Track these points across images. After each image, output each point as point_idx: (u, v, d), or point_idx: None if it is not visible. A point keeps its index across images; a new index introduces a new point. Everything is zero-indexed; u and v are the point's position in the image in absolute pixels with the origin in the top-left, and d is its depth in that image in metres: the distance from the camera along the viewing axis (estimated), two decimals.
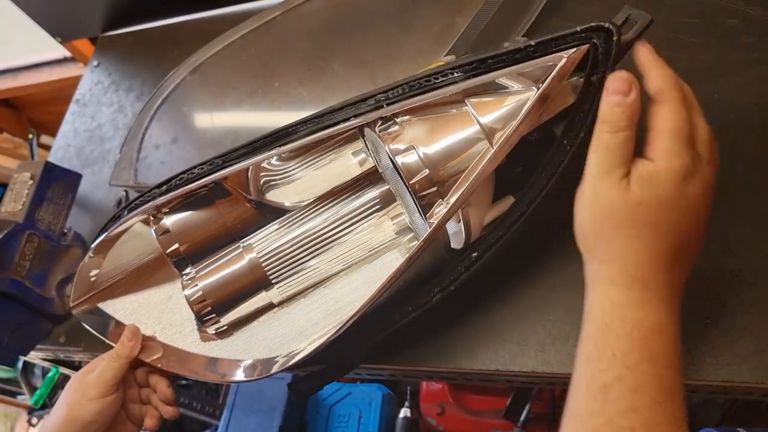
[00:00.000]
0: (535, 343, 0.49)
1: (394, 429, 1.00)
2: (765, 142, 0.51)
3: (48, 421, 0.50)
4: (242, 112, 0.82)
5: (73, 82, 1.03)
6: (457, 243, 0.51)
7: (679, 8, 0.60)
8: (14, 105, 1.57)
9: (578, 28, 0.42)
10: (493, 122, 0.43)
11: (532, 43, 0.43)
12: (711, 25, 0.58)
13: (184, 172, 0.51)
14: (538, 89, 0.42)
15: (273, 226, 0.53)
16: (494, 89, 0.44)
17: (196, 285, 0.51)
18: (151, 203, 0.51)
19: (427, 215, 0.44)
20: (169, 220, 0.52)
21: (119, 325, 0.55)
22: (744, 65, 0.55)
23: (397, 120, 0.45)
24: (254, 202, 0.54)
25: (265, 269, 0.51)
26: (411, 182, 0.43)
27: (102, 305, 0.56)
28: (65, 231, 0.74)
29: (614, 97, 0.37)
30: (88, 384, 0.50)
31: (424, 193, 0.43)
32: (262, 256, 0.51)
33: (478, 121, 0.43)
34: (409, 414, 1.01)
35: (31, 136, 1.05)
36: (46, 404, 1.38)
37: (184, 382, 1.34)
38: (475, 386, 1.07)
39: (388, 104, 0.45)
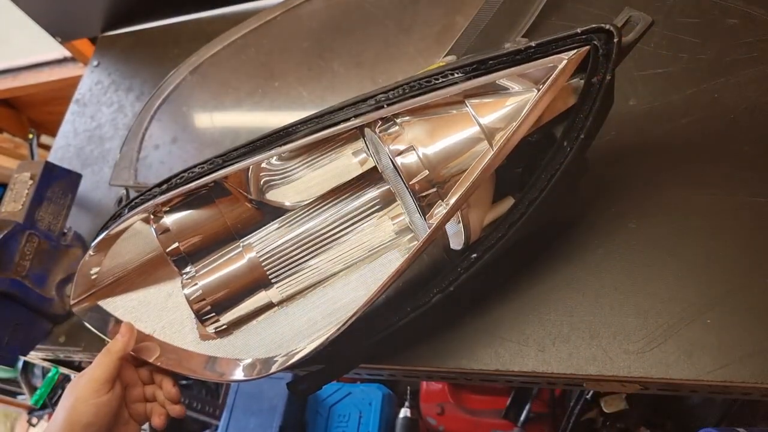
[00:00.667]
0: (535, 343, 0.49)
1: (394, 429, 1.00)
2: (765, 141, 0.51)
3: (49, 427, 0.50)
4: (242, 112, 0.82)
5: (73, 82, 1.03)
6: (456, 244, 0.51)
7: (679, 8, 0.60)
8: (14, 105, 1.57)
9: (579, 30, 0.42)
10: (493, 123, 0.43)
11: (533, 44, 0.43)
12: (711, 25, 0.58)
13: (184, 171, 0.51)
14: (539, 90, 0.42)
15: (273, 226, 0.53)
16: (494, 90, 0.44)
17: (196, 284, 0.51)
18: (151, 202, 0.51)
19: (426, 216, 0.44)
20: (169, 219, 0.52)
21: (119, 323, 0.55)
22: (744, 65, 0.55)
23: (398, 120, 0.45)
24: (254, 202, 0.54)
25: (265, 269, 0.51)
26: (411, 183, 0.43)
27: (102, 303, 0.56)
28: (65, 231, 0.74)
29: None
30: (81, 385, 0.49)
31: (423, 193, 0.43)
32: (262, 255, 0.51)
33: (479, 122, 0.43)
34: (409, 414, 1.01)
35: (31, 136, 1.05)
36: (46, 404, 1.38)
37: (184, 382, 1.34)
38: (475, 386, 1.07)
39: (388, 104, 0.45)
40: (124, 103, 0.93)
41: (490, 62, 0.43)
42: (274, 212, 0.54)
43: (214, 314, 0.52)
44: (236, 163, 0.49)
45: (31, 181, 0.71)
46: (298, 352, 0.48)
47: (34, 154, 1.12)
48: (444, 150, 0.43)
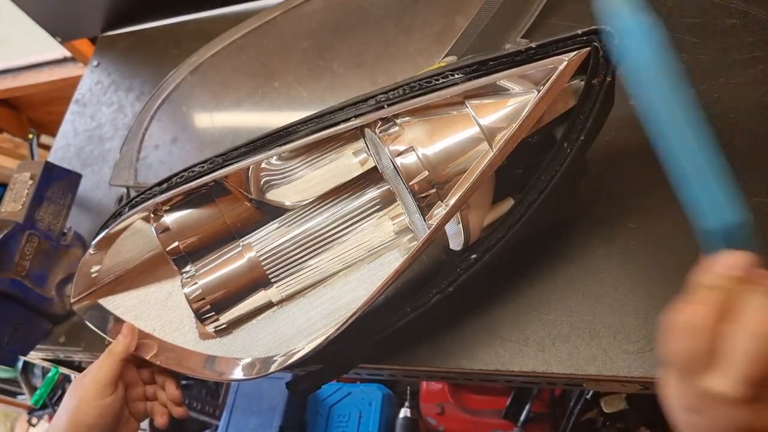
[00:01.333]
0: (534, 343, 0.49)
1: (394, 429, 1.00)
2: (765, 141, 0.51)
3: (51, 427, 0.50)
4: (242, 112, 0.82)
5: (73, 82, 1.03)
6: (456, 244, 0.51)
7: (679, 8, 0.60)
8: (14, 105, 1.57)
9: (579, 31, 0.42)
10: (493, 124, 0.43)
11: (533, 45, 0.43)
12: (711, 25, 0.58)
13: (184, 170, 0.51)
14: (539, 92, 0.42)
15: (273, 225, 0.53)
16: (495, 91, 0.44)
17: (196, 283, 0.51)
18: (151, 201, 0.51)
19: (426, 216, 0.44)
20: (169, 218, 0.52)
21: (119, 322, 0.55)
22: (744, 65, 0.55)
23: (398, 121, 0.45)
24: (254, 201, 0.54)
25: (265, 268, 0.51)
26: (410, 183, 0.43)
27: (102, 302, 0.56)
28: (65, 231, 0.74)
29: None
30: (85, 386, 0.49)
31: (423, 194, 0.43)
32: (262, 255, 0.51)
33: (479, 123, 0.43)
34: (409, 414, 1.01)
35: (31, 136, 1.05)
36: (46, 404, 1.38)
37: (184, 381, 1.34)
38: (475, 386, 1.07)
39: (388, 105, 0.45)
40: (124, 103, 0.93)
41: (491, 63, 0.43)
42: (274, 212, 0.54)
43: (213, 313, 0.52)
44: (236, 162, 0.49)
45: (31, 181, 0.71)
46: (297, 352, 0.48)
47: (34, 154, 1.12)
48: (444, 151, 0.43)
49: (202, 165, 0.50)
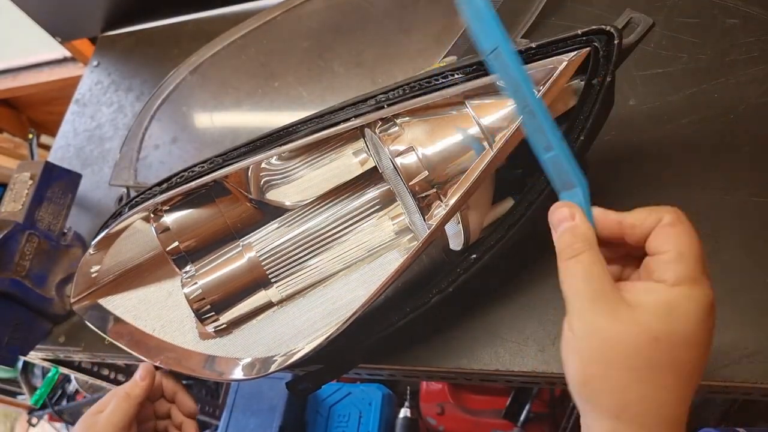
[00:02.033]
0: (534, 343, 0.49)
1: (394, 429, 1.00)
2: (765, 141, 0.51)
3: None
4: (242, 112, 0.82)
5: (73, 82, 1.03)
6: (456, 244, 0.51)
7: (679, 8, 0.60)
8: (14, 105, 1.57)
9: (579, 31, 0.42)
10: (493, 124, 0.43)
11: (533, 45, 0.43)
12: (711, 25, 0.58)
13: (184, 170, 0.51)
14: (539, 92, 0.42)
15: (273, 225, 0.53)
16: (495, 91, 0.44)
17: (196, 283, 0.51)
18: (151, 201, 0.51)
19: (426, 216, 0.44)
20: (169, 218, 0.52)
21: (119, 322, 0.55)
22: (744, 65, 0.55)
23: (398, 121, 0.45)
24: (254, 201, 0.54)
25: (265, 268, 0.51)
26: (410, 183, 0.43)
27: (102, 302, 0.56)
28: (65, 231, 0.74)
29: (560, 226, 0.34)
30: (98, 427, 0.48)
31: (423, 194, 0.43)
32: (262, 255, 0.51)
33: (479, 123, 0.43)
34: (409, 414, 1.01)
35: (31, 136, 1.05)
36: (46, 404, 1.38)
37: (183, 381, 1.34)
38: (475, 386, 1.07)
39: (388, 105, 0.45)
40: (124, 103, 0.93)
41: None
42: (274, 212, 0.54)
43: (213, 313, 0.52)
44: (236, 162, 0.49)
45: (31, 181, 0.71)
46: (297, 352, 0.48)
47: (34, 154, 1.12)
48: (444, 151, 0.43)
49: (202, 165, 0.50)
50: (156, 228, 0.52)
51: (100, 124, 0.93)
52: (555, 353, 0.48)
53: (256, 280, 0.51)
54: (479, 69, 0.44)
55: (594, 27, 0.42)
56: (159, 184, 0.51)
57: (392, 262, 0.52)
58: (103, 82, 0.98)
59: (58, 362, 0.84)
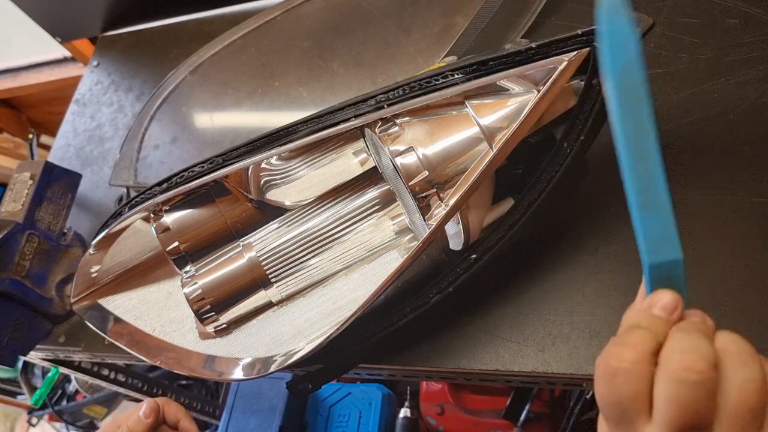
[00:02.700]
0: (534, 343, 0.49)
1: (394, 429, 1.00)
2: (765, 141, 0.51)
3: None
4: (242, 112, 0.82)
5: (73, 82, 1.03)
6: (456, 244, 0.51)
7: (679, 8, 0.60)
8: (14, 105, 1.57)
9: (579, 31, 0.42)
10: (493, 124, 0.43)
11: (533, 45, 0.43)
12: (711, 25, 0.58)
13: (184, 170, 0.51)
14: (539, 92, 0.42)
15: (273, 225, 0.53)
16: (495, 91, 0.44)
17: (196, 283, 0.51)
18: (151, 200, 0.51)
19: (426, 216, 0.44)
20: (169, 218, 0.52)
21: (119, 322, 0.55)
22: (744, 65, 0.55)
23: (398, 121, 0.45)
24: (254, 201, 0.54)
25: (265, 268, 0.51)
26: (410, 183, 0.43)
27: (102, 302, 0.56)
28: (65, 231, 0.74)
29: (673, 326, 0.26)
30: None
31: (423, 194, 0.43)
32: (262, 254, 0.51)
33: (479, 123, 0.43)
34: (409, 414, 1.01)
35: (31, 136, 1.05)
36: (45, 404, 1.38)
37: (183, 381, 1.34)
38: (475, 386, 1.07)
39: (388, 105, 0.45)
40: (124, 103, 0.93)
41: (491, 63, 0.43)
42: (274, 212, 0.54)
43: (213, 313, 0.52)
44: (236, 162, 0.49)
45: (31, 181, 0.71)
46: (297, 352, 0.48)
47: (34, 154, 1.12)
48: (444, 151, 0.43)
49: (202, 165, 0.50)
50: (156, 228, 0.52)
51: (100, 124, 0.93)
52: (555, 353, 0.48)
53: (256, 280, 0.51)
54: (479, 69, 0.44)
55: (594, 27, 0.42)
56: (159, 184, 0.51)
57: (392, 262, 0.52)
58: (103, 82, 0.98)
59: (58, 362, 0.84)
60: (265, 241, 0.52)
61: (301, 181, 0.53)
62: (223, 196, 0.53)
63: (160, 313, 0.55)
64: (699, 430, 0.24)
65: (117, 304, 0.56)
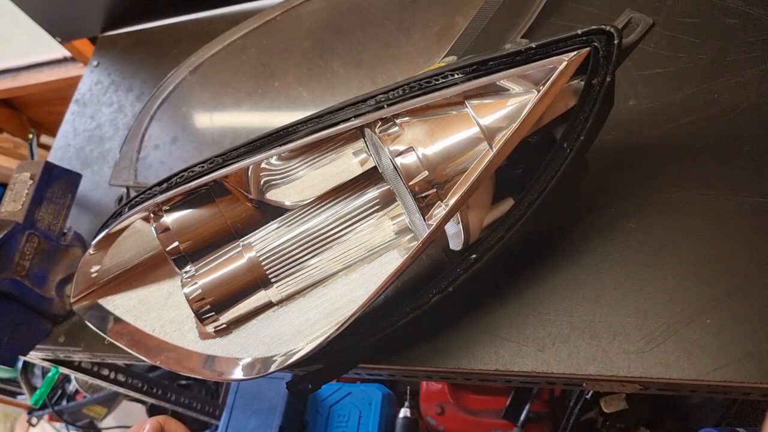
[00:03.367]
0: (534, 343, 0.49)
1: (394, 429, 1.00)
2: (765, 141, 0.51)
3: None
4: (242, 112, 0.82)
5: (73, 82, 1.03)
6: (456, 244, 0.51)
7: (679, 8, 0.60)
8: (14, 105, 1.57)
9: (579, 31, 0.42)
10: (493, 124, 0.43)
11: (533, 45, 0.43)
12: (711, 25, 0.58)
13: (184, 170, 0.51)
14: (539, 92, 0.42)
15: (273, 225, 0.53)
16: (495, 91, 0.44)
17: (196, 283, 0.51)
18: (151, 201, 0.51)
19: (426, 216, 0.44)
20: (169, 218, 0.52)
21: (119, 322, 0.55)
22: (744, 65, 0.55)
23: (397, 121, 0.45)
24: (254, 201, 0.54)
25: (264, 268, 0.51)
26: (410, 184, 0.43)
27: (102, 302, 0.56)
28: (65, 231, 0.74)
29: None
30: None
31: (423, 194, 0.43)
32: (262, 254, 0.51)
33: (478, 123, 0.43)
34: (409, 414, 1.01)
35: (31, 136, 1.05)
36: (45, 404, 1.38)
37: (183, 381, 1.34)
38: (474, 386, 1.07)
39: (388, 105, 0.45)
40: (124, 103, 0.93)
41: (491, 63, 0.43)
42: (274, 212, 0.54)
43: (213, 313, 0.52)
44: (236, 162, 0.49)
45: (30, 181, 0.71)
46: (297, 352, 0.48)
47: (34, 154, 1.12)
48: (444, 151, 0.43)
49: (202, 165, 0.50)
50: (156, 228, 0.52)
51: (100, 124, 0.93)
52: (555, 353, 0.48)
53: (256, 280, 0.51)
54: (479, 69, 0.44)
55: (594, 27, 0.42)
56: (159, 184, 0.51)
57: (392, 262, 0.52)
58: (103, 82, 0.98)
59: (58, 362, 0.84)
60: (265, 241, 0.52)
61: (301, 181, 0.53)
62: (223, 196, 0.53)
63: (160, 313, 0.55)
64: None
65: (117, 304, 0.56)
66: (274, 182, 0.53)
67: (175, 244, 0.52)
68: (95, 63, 1.01)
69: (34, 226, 0.70)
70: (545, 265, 0.52)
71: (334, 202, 0.52)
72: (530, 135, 0.45)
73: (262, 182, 0.53)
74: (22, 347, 0.69)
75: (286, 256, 0.51)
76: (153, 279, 0.57)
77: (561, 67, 0.41)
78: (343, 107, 0.46)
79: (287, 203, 0.54)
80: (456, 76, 0.44)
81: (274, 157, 0.51)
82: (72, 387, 1.46)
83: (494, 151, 0.42)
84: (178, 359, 0.53)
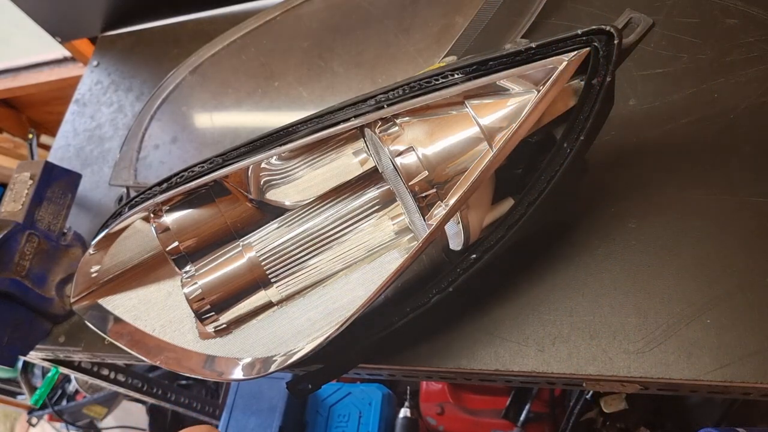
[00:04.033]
0: (534, 343, 0.49)
1: (394, 429, 1.00)
2: (765, 141, 0.51)
3: None
4: (242, 112, 0.82)
5: (73, 82, 1.03)
6: (456, 244, 0.51)
7: (679, 8, 0.60)
8: (14, 105, 1.57)
9: (579, 31, 0.42)
10: (493, 124, 0.43)
11: (533, 45, 0.43)
12: (711, 25, 0.58)
13: (184, 170, 0.51)
14: (539, 92, 0.42)
15: (272, 225, 0.53)
16: (495, 91, 0.44)
17: (196, 283, 0.51)
18: (151, 200, 0.51)
19: (426, 216, 0.44)
20: (169, 218, 0.52)
21: (119, 322, 0.55)
22: (744, 65, 0.55)
23: (397, 121, 0.45)
24: (254, 201, 0.54)
25: (264, 268, 0.51)
26: (410, 184, 0.43)
27: (102, 302, 0.56)
28: (65, 231, 0.74)
29: None
30: None
31: (423, 194, 0.43)
32: (262, 254, 0.51)
33: (478, 123, 0.43)
34: (409, 414, 1.01)
35: (31, 136, 1.05)
36: (45, 404, 1.38)
37: (183, 381, 1.34)
38: (474, 386, 1.07)
39: (388, 105, 0.45)
40: (124, 103, 0.93)
41: (491, 63, 0.43)
42: (274, 212, 0.54)
43: (213, 313, 0.52)
44: (236, 162, 0.49)
45: (30, 181, 0.71)
46: (297, 352, 0.48)
47: (34, 154, 1.12)
48: (444, 151, 0.43)
49: (202, 165, 0.50)
50: (156, 228, 0.52)
51: (100, 124, 0.93)
52: (555, 353, 0.48)
53: (256, 280, 0.51)
54: (479, 69, 0.44)
55: (594, 27, 0.42)
56: (159, 184, 0.51)
57: (392, 262, 0.52)
58: (103, 82, 0.98)
59: (58, 362, 0.84)
60: (265, 241, 0.52)
61: (301, 181, 0.53)
62: (223, 196, 0.53)
63: (159, 313, 0.55)
64: None
65: (117, 304, 0.56)
66: (274, 182, 0.53)
67: (175, 244, 0.52)
68: (95, 63, 1.01)
69: (34, 226, 0.70)
70: (545, 265, 0.52)
71: (334, 202, 0.52)
72: (530, 135, 0.45)
73: (262, 182, 0.53)
74: (22, 347, 0.69)
75: (286, 256, 0.51)
76: (153, 279, 0.57)
77: (561, 67, 0.41)
78: (343, 107, 0.46)
79: (287, 203, 0.54)
80: (456, 76, 0.44)
81: (274, 157, 0.51)
82: (72, 387, 1.46)
83: (494, 151, 0.42)
84: (177, 359, 0.53)
